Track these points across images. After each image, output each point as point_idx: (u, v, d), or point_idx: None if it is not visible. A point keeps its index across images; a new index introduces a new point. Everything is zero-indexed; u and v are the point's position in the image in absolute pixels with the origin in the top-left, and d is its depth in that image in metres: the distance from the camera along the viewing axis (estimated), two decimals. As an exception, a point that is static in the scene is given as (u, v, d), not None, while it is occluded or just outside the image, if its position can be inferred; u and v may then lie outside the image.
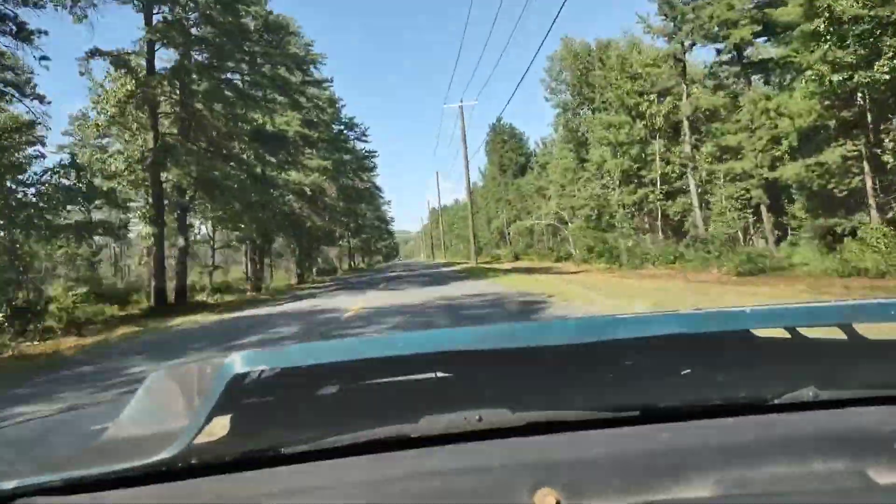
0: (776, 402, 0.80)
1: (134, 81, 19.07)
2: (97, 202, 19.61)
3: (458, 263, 45.41)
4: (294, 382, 0.80)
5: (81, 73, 19.48)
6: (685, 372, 0.84)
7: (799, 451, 0.71)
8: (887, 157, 14.64)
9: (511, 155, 56.23)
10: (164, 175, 20.39)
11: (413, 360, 0.82)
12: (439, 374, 0.85)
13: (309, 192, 33.50)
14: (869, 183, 15.41)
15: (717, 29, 21.71)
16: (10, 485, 0.72)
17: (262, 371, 0.76)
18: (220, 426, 0.74)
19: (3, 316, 12.85)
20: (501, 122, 57.71)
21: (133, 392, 0.89)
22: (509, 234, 53.62)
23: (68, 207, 17.24)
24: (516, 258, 44.24)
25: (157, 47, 20.73)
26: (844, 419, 0.78)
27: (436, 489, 0.69)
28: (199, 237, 32.40)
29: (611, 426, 0.77)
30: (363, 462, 0.75)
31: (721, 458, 0.71)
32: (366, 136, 50.82)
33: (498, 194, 56.82)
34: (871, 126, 15.36)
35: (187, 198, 22.50)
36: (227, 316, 15.46)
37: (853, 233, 15.10)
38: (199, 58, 22.43)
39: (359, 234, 64.35)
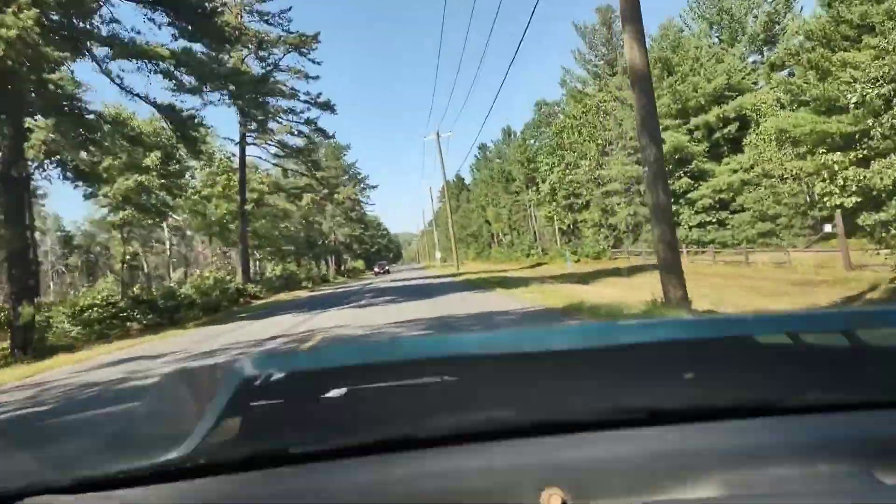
0: (780, 405, 0.81)
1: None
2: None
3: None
4: (302, 385, 0.80)
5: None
6: (688, 376, 0.84)
7: (804, 453, 0.72)
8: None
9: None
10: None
11: (419, 365, 0.83)
12: (445, 378, 0.86)
13: None
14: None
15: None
16: (20, 483, 0.72)
17: (271, 374, 0.76)
18: (230, 427, 0.75)
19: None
20: None
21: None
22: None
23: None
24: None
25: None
26: (849, 423, 0.79)
27: (442, 489, 0.69)
28: None
29: (616, 428, 0.78)
30: (370, 463, 0.75)
31: (726, 460, 0.72)
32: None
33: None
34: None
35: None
36: None
37: None
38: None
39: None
